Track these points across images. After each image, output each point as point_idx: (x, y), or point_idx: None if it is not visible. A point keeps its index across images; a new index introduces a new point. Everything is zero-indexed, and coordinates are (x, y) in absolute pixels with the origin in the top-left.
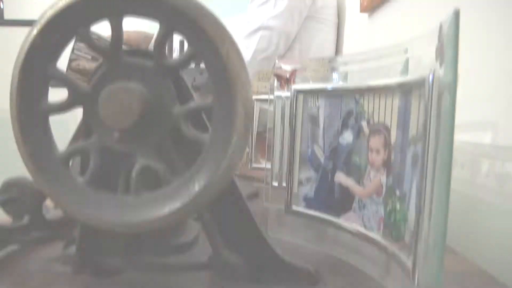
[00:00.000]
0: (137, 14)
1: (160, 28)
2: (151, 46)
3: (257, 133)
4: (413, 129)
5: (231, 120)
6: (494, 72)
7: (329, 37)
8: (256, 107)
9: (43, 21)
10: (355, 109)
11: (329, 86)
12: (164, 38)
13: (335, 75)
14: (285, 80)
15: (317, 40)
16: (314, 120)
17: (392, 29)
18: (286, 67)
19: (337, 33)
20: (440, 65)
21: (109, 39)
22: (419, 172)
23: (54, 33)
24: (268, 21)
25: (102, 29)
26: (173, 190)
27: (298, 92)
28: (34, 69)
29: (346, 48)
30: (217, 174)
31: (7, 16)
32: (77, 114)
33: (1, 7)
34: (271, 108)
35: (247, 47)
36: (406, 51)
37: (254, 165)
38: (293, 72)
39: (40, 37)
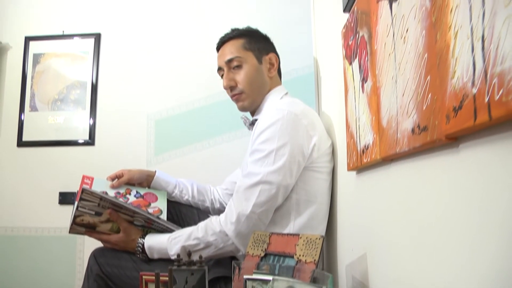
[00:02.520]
0: None
1: None
2: (153, 184)
3: None
4: None
5: None
6: None
7: (324, 185)
8: (249, 286)
9: None
10: None
11: None
12: None
13: None
14: None
15: (313, 189)
16: None
17: (377, 189)
18: None
19: (332, 180)
20: None
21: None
22: None
23: None
24: (268, 176)
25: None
26: None
27: None
28: None
29: (340, 198)
30: None
31: (25, 138)
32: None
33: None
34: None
35: (247, 200)
36: None
37: None
38: None
39: None
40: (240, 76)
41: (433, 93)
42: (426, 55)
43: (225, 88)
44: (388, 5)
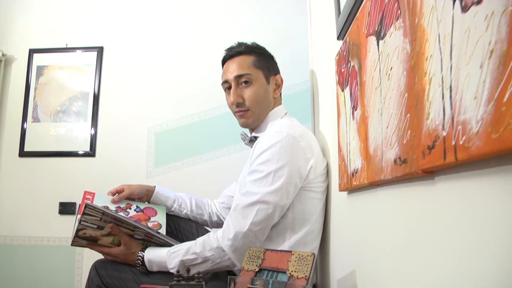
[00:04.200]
0: None
1: None
2: (153, 199)
3: None
4: None
5: None
6: None
7: (319, 204)
8: None
9: None
10: None
11: None
12: None
13: None
14: None
15: (308, 208)
16: None
17: (366, 210)
18: None
19: (326, 200)
20: None
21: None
22: None
23: None
24: (266, 196)
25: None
26: None
27: None
28: None
29: (333, 216)
30: None
31: (27, 148)
32: (83, 248)
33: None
34: None
35: (244, 218)
36: None
37: None
38: None
39: None
40: (248, 94)
41: (411, 130)
42: (406, 94)
43: (232, 103)
44: (376, 42)
